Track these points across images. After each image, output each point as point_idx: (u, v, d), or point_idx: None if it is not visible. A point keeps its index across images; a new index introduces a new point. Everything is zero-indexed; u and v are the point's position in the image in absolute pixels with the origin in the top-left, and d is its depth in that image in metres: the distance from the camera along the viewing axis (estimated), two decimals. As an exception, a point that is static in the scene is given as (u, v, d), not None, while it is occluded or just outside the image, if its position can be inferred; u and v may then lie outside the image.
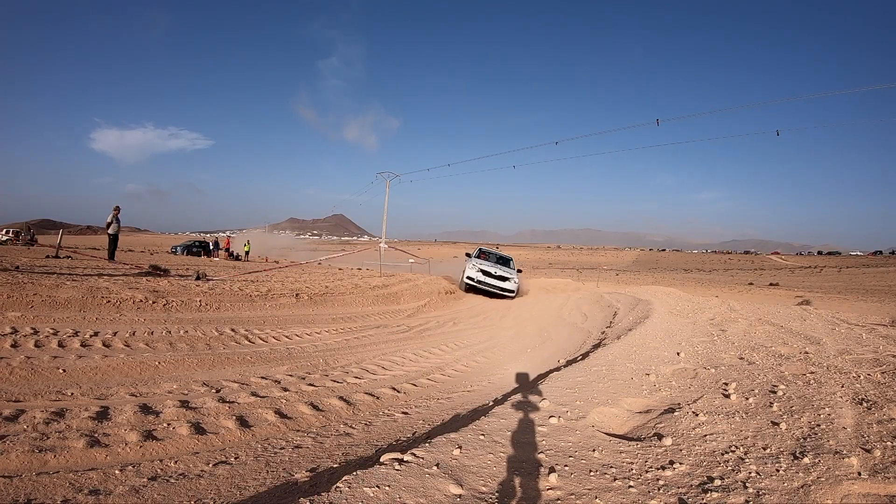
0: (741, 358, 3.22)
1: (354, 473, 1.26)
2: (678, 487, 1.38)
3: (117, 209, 12.54)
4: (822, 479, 1.43)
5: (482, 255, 12.78)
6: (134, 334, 3.74)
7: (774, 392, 2.34)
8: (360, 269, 15.50)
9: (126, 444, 1.70)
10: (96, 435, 1.72)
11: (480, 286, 11.20)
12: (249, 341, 4.01)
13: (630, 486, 1.37)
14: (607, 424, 1.94)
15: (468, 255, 12.60)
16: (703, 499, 1.32)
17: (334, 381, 2.83)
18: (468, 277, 11.26)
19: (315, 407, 2.26)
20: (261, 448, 1.79)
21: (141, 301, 5.39)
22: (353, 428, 2.08)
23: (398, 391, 2.64)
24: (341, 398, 2.41)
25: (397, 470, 1.30)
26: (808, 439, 1.74)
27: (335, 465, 1.63)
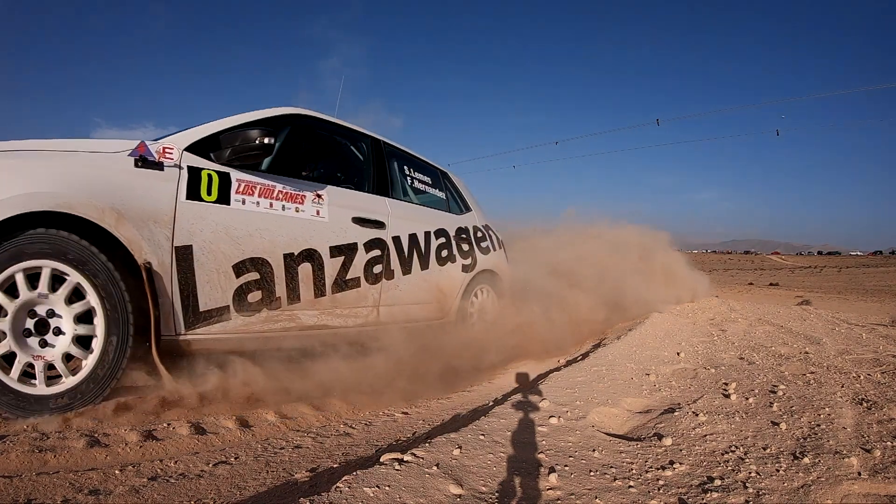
0: (741, 358, 3.22)
1: (354, 473, 1.26)
2: (678, 487, 1.39)
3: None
4: (822, 479, 1.43)
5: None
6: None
7: (774, 392, 2.34)
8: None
9: (126, 444, 1.70)
10: (96, 435, 1.72)
11: None
12: (249, 341, 4.00)
13: (630, 486, 1.37)
14: (607, 424, 1.94)
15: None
16: (703, 499, 1.32)
17: (334, 380, 2.82)
18: None
19: (315, 407, 2.26)
20: (261, 448, 1.79)
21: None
22: (353, 428, 2.08)
23: (398, 391, 2.64)
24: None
25: (397, 470, 1.30)
26: (808, 439, 1.74)
27: (335, 465, 1.63)
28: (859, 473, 1.48)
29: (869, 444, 1.69)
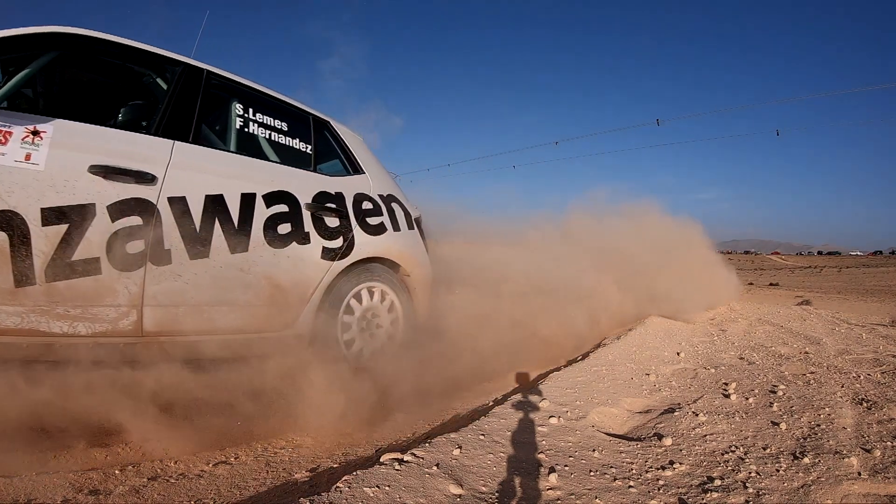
0: (741, 358, 3.22)
1: (354, 473, 1.26)
2: (678, 487, 1.39)
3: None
4: (822, 479, 1.43)
5: None
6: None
7: (774, 392, 2.34)
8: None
9: (126, 443, 1.70)
10: (96, 434, 1.72)
11: None
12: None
13: (630, 486, 1.37)
14: (607, 424, 1.94)
15: None
16: (703, 499, 1.32)
17: (334, 380, 2.80)
18: None
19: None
20: (261, 448, 1.79)
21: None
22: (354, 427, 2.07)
23: (398, 391, 2.63)
24: (341, 398, 2.40)
25: (397, 470, 1.30)
26: (808, 439, 1.74)
27: (335, 465, 1.63)
28: (859, 473, 1.48)
29: (869, 444, 1.69)
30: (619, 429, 1.92)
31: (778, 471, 1.49)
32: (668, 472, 1.47)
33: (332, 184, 2.60)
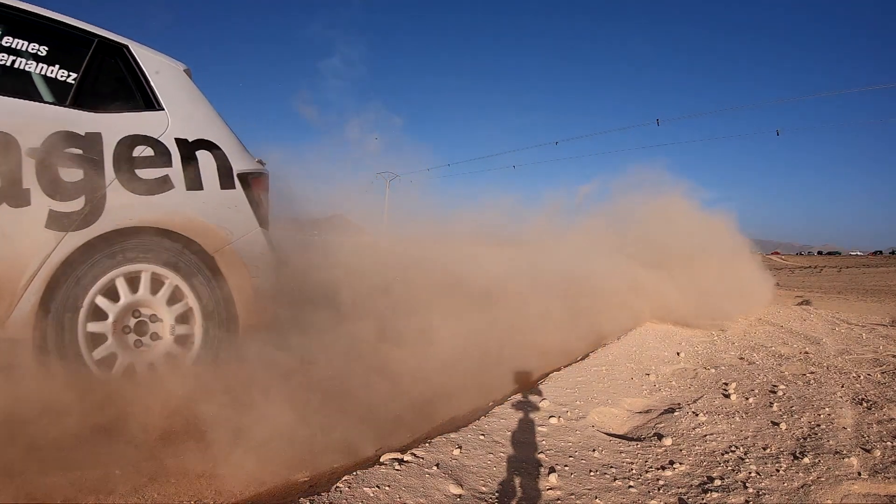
0: (741, 358, 3.22)
1: (354, 473, 1.26)
2: (678, 487, 1.39)
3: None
4: (822, 479, 1.43)
5: None
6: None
7: (774, 392, 2.34)
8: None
9: (126, 443, 1.69)
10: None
11: None
12: (249, 341, 3.97)
13: (630, 486, 1.37)
14: (607, 424, 1.94)
15: None
16: (703, 499, 1.32)
17: (334, 380, 2.81)
18: None
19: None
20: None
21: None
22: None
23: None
24: (341, 398, 2.40)
25: (397, 470, 1.30)
26: (808, 439, 1.74)
27: (335, 465, 1.63)
28: (859, 473, 1.48)
29: (869, 444, 1.69)
30: (619, 429, 1.92)
31: (778, 471, 1.49)
32: (668, 472, 1.47)
33: (83, 121, 1.85)
